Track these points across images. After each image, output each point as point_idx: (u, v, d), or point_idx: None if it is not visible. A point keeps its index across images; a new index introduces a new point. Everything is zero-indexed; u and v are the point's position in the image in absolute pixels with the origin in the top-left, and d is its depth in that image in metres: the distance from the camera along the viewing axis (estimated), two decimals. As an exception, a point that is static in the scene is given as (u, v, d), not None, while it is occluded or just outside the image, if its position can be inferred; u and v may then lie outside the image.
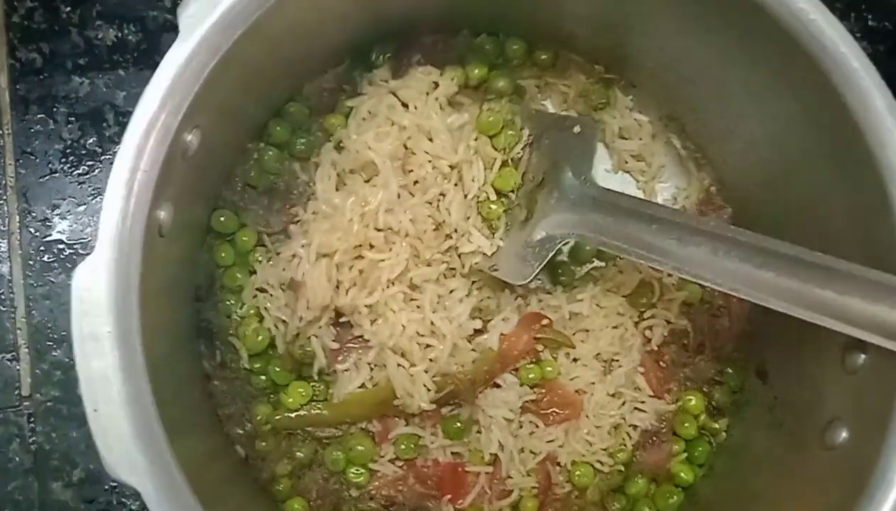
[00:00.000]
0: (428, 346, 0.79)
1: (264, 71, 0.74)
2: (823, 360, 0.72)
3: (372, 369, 0.81)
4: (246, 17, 0.65)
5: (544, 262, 0.79)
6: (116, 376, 0.58)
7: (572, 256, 0.87)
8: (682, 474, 0.84)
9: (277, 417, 0.82)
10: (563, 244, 0.81)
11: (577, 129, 0.83)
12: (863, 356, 0.67)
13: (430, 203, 0.82)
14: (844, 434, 0.67)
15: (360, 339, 0.80)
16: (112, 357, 0.58)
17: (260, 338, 0.81)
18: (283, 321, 0.80)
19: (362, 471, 0.83)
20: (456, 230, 0.82)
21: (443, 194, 0.82)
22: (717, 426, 0.86)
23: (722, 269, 0.69)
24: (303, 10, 0.71)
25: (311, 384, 0.82)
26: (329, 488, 0.83)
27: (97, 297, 0.58)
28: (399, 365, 0.78)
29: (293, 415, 0.82)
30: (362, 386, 0.81)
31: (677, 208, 0.88)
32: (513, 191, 0.85)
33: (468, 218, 0.82)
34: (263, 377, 0.82)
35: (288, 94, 0.83)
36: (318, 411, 0.82)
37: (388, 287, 0.78)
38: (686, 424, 0.85)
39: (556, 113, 0.88)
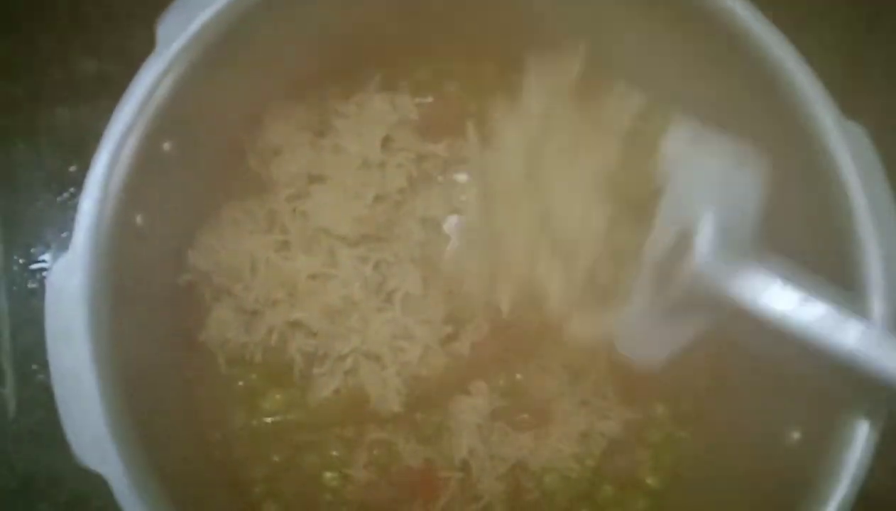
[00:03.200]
0: (402, 348, 0.81)
1: (242, 85, 0.77)
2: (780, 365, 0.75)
3: (346, 375, 0.83)
4: (224, 30, 0.68)
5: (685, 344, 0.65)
6: (89, 372, 0.61)
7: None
8: (649, 480, 0.86)
9: (254, 423, 0.84)
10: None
11: (734, 163, 0.62)
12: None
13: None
14: (797, 435, 0.70)
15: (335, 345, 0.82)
16: (85, 353, 0.61)
17: (238, 347, 0.83)
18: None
19: (337, 475, 0.84)
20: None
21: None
22: (682, 434, 0.88)
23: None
24: (282, 28, 0.74)
25: (288, 390, 0.84)
26: (304, 492, 0.85)
27: (71, 294, 0.61)
28: (371, 369, 0.81)
29: (270, 420, 0.84)
30: (337, 391, 0.83)
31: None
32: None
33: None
34: (241, 383, 0.84)
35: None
36: (294, 416, 0.84)
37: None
38: (652, 431, 0.87)
39: (696, 131, 0.63)
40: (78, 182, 0.94)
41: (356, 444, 0.85)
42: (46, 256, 0.95)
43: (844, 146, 0.66)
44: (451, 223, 0.88)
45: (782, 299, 0.59)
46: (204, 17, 0.67)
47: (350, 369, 0.82)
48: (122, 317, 0.65)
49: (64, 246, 0.93)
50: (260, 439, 0.84)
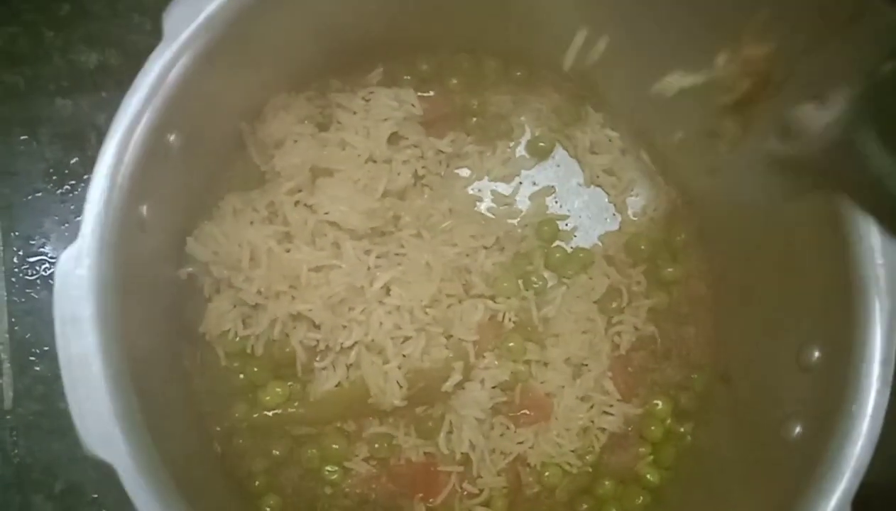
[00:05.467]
0: (405, 339, 0.81)
1: (246, 77, 0.77)
2: (781, 361, 0.75)
3: (348, 368, 0.83)
4: (229, 21, 0.68)
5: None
6: (96, 358, 0.61)
7: (546, 263, 0.90)
8: (649, 476, 0.86)
9: (255, 415, 0.84)
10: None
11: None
12: (816, 353, 0.70)
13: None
14: (798, 429, 0.70)
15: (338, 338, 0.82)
16: (92, 339, 0.61)
17: (237, 340, 0.83)
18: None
19: (337, 469, 0.85)
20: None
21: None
22: (682, 430, 0.88)
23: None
24: (285, 20, 0.74)
25: (289, 384, 0.84)
26: (304, 486, 0.85)
27: (79, 282, 0.61)
28: (372, 362, 0.81)
29: (270, 413, 0.84)
30: (338, 385, 0.83)
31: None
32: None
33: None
34: (242, 376, 0.84)
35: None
36: (295, 410, 0.84)
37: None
38: (653, 428, 0.87)
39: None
40: (78, 174, 0.96)
41: (356, 438, 0.85)
42: (46, 248, 0.95)
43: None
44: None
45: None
46: (210, 8, 0.67)
47: (352, 363, 0.82)
48: (126, 306, 0.65)
49: (64, 238, 0.94)
50: (260, 433, 0.84)
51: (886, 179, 0.54)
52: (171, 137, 0.69)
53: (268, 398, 0.83)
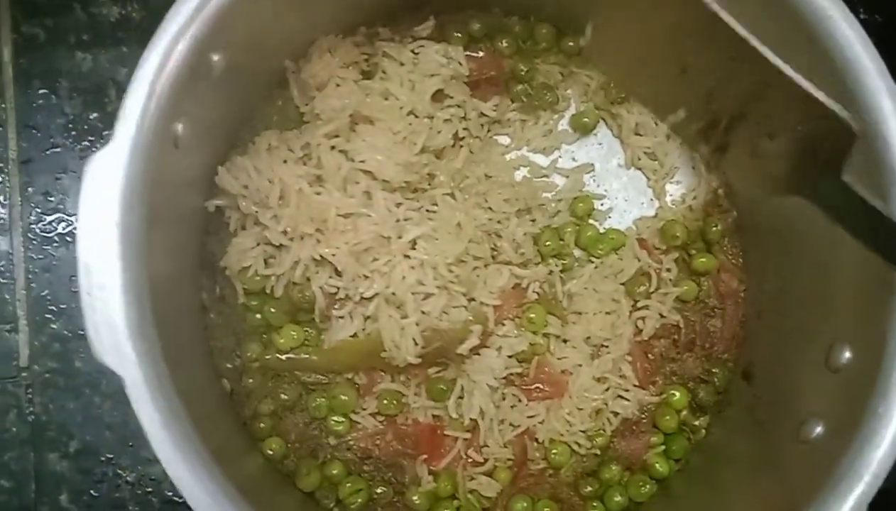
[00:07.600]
0: (427, 295, 0.79)
1: (297, 11, 0.76)
2: (808, 360, 0.73)
3: (366, 320, 0.81)
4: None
5: None
6: (116, 266, 0.59)
7: (577, 240, 0.88)
8: (658, 466, 0.85)
9: (267, 357, 0.83)
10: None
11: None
12: (847, 354, 0.68)
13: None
14: (819, 429, 0.69)
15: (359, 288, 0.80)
16: (114, 247, 0.59)
17: (257, 278, 0.81)
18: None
19: (343, 420, 0.84)
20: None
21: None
22: (697, 424, 0.86)
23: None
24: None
25: (304, 329, 0.83)
26: (308, 433, 0.84)
27: (108, 187, 0.60)
28: (390, 316, 0.79)
29: (283, 356, 0.83)
30: (354, 335, 0.81)
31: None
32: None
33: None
34: (258, 316, 0.83)
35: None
36: (308, 356, 0.83)
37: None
38: (667, 418, 0.85)
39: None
40: (98, 130, 0.94)
41: (366, 392, 0.84)
42: (64, 205, 0.94)
43: None
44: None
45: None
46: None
47: (370, 315, 0.80)
48: (151, 223, 0.63)
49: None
50: (271, 375, 0.83)
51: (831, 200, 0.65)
52: (216, 57, 0.67)
53: (282, 341, 0.83)
